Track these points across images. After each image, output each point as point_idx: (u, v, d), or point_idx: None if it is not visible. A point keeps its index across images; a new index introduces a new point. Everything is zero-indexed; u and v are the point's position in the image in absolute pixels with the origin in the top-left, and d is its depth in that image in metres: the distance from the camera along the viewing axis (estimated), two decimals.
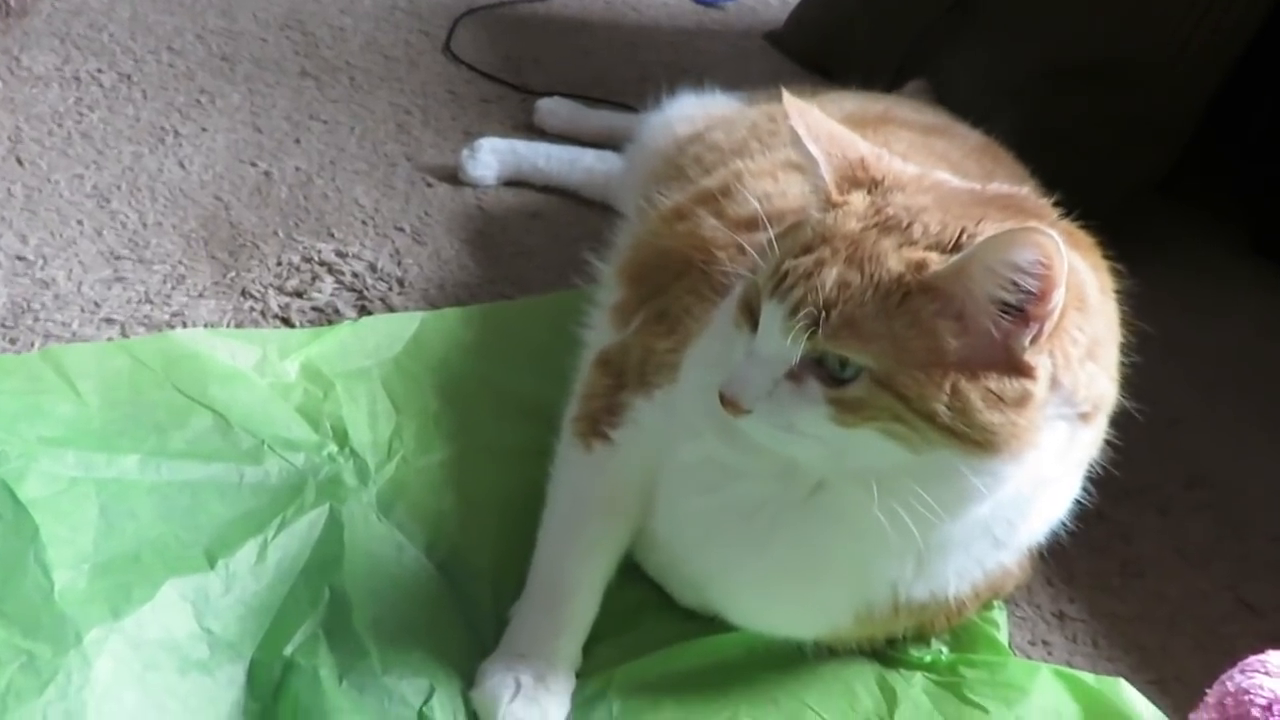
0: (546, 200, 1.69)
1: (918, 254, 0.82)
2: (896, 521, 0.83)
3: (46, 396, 1.10)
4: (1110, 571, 1.21)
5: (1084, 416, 0.86)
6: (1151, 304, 1.64)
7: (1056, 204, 1.34)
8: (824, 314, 0.81)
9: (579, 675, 0.99)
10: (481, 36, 2.16)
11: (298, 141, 1.73)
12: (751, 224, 1.04)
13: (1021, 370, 0.80)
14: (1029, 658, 1.09)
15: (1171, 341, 1.58)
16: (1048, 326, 0.79)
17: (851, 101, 1.38)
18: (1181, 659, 1.12)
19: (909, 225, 0.84)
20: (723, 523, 0.96)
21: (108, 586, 0.93)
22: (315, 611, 0.96)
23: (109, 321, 1.31)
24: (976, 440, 0.80)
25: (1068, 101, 1.71)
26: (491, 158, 1.68)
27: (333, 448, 1.13)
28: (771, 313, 0.84)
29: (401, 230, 1.56)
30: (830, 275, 0.82)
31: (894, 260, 0.82)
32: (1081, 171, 1.68)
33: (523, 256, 1.56)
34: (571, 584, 1.01)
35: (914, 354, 0.80)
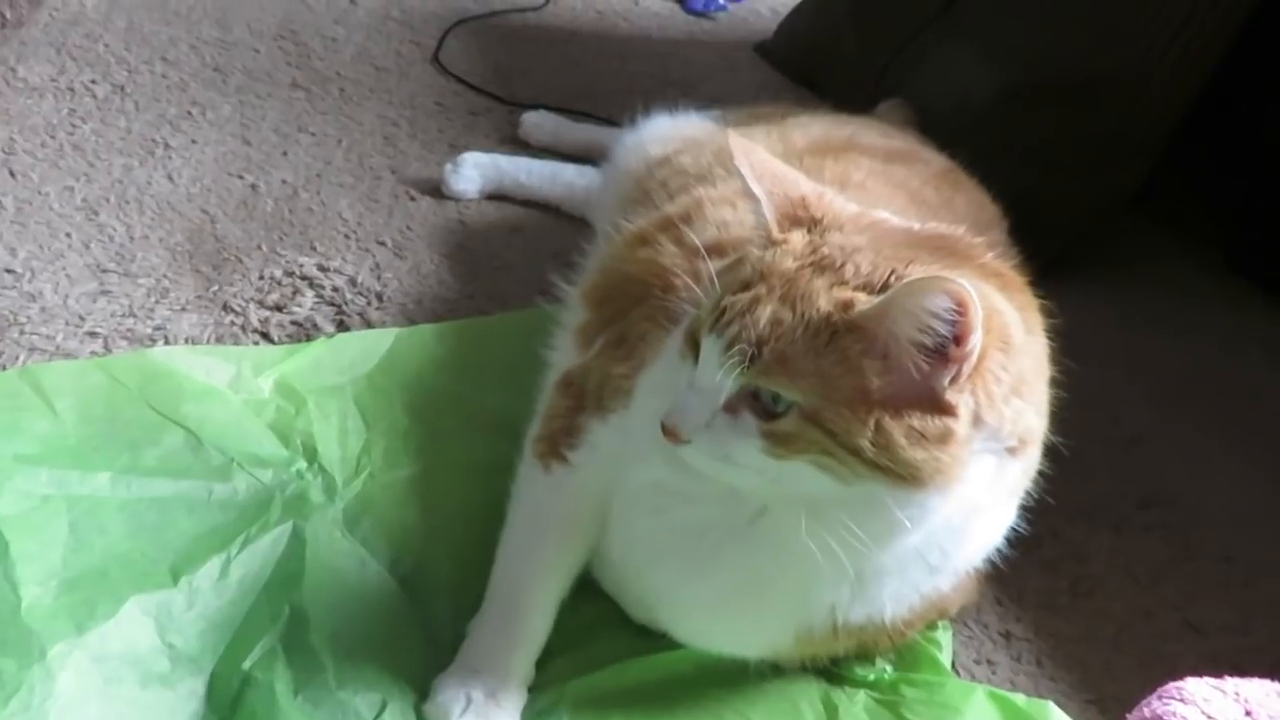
0: (528, 214, 1.71)
1: (847, 294, 0.85)
2: (826, 550, 0.87)
3: (24, 414, 1.13)
4: (1060, 590, 1.24)
5: (1011, 450, 0.89)
6: (1119, 321, 1.68)
7: (1017, 226, 1.37)
8: (757, 350, 0.84)
9: (532, 689, 1.02)
10: (472, 47, 2.18)
11: (285, 154, 1.77)
12: (709, 252, 1.07)
13: (943, 409, 0.83)
14: (973, 676, 1.12)
15: (1136, 359, 1.61)
16: (966, 368, 0.82)
17: (819, 126, 1.40)
18: (1123, 678, 1.14)
19: (842, 265, 0.87)
20: (670, 545, 1.00)
21: (73, 602, 0.96)
22: (274, 627, 1.00)
23: (92, 335, 1.35)
24: (901, 475, 0.83)
25: (1042, 118, 1.73)
26: (474, 172, 1.71)
27: (302, 464, 1.16)
28: (710, 346, 0.87)
29: (383, 244, 1.60)
30: (765, 313, 0.85)
31: (824, 300, 0.85)
32: (1055, 188, 1.71)
33: (502, 271, 1.59)
34: (526, 602, 1.04)
35: (841, 391, 0.83)
